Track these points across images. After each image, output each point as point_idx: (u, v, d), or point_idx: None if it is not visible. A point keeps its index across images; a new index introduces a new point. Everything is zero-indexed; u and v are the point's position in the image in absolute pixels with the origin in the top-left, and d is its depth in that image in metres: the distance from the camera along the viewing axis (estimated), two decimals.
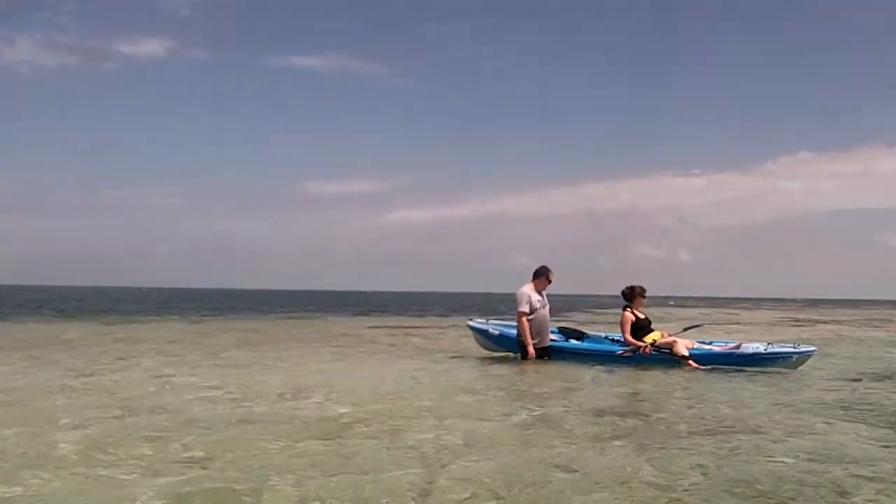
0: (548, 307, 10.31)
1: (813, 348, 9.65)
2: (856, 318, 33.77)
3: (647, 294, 10.17)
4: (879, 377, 8.80)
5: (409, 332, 17.76)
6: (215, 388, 7.21)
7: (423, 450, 4.50)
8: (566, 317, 25.72)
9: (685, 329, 10.72)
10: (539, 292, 10.22)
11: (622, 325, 9.94)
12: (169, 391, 6.97)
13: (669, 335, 9.95)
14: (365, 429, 5.18)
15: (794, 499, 3.56)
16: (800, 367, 9.30)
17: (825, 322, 28.16)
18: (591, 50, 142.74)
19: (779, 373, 8.96)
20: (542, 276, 10.30)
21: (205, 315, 27.49)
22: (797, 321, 28.84)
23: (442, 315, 31.13)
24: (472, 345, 11.59)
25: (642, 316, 10.00)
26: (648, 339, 9.72)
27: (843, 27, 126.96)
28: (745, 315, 36.91)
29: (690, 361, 9.31)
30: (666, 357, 9.48)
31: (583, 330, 11.26)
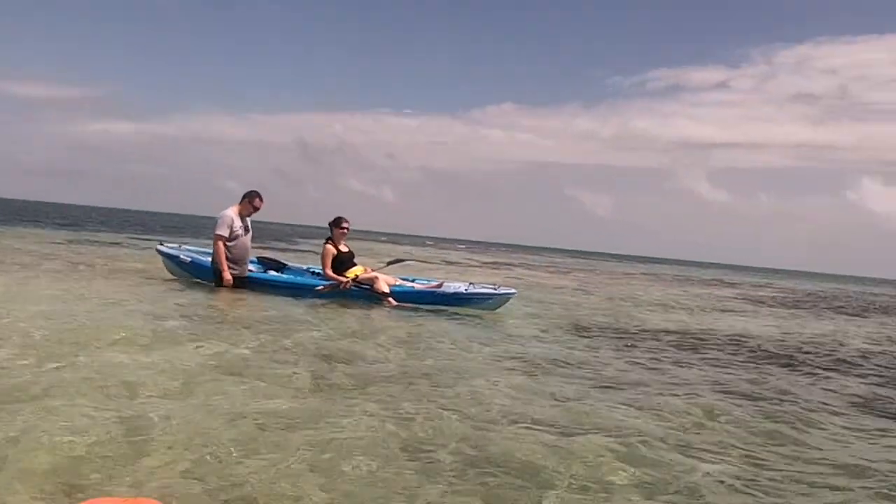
0: (250, 234, 9.74)
1: (512, 291, 10.07)
2: (547, 265, 37.30)
3: (356, 228, 9.97)
4: (569, 325, 9.35)
5: (98, 252, 15.81)
6: None
7: (102, 387, 4.01)
8: (270, 245, 24.96)
9: (389, 263, 10.66)
10: (243, 217, 9.61)
11: (323, 258, 9.67)
12: None
13: (372, 270, 9.89)
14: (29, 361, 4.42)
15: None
16: (499, 309, 9.74)
17: (523, 267, 30.64)
18: None
19: (478, 315, 9.24)
20: (247, 199, 9.68)
21: None
22: (497, 265, 30.92)
23: (140, 235, 28.70)
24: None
25: (345, 249, 9.79)
26: (350, 273, 9.57)
27: None
28: (451, 255, 39.05)
29: (391, 299, 9.35)
30: (366, 293, 9.42)
31: (283, 261, 10.85)
